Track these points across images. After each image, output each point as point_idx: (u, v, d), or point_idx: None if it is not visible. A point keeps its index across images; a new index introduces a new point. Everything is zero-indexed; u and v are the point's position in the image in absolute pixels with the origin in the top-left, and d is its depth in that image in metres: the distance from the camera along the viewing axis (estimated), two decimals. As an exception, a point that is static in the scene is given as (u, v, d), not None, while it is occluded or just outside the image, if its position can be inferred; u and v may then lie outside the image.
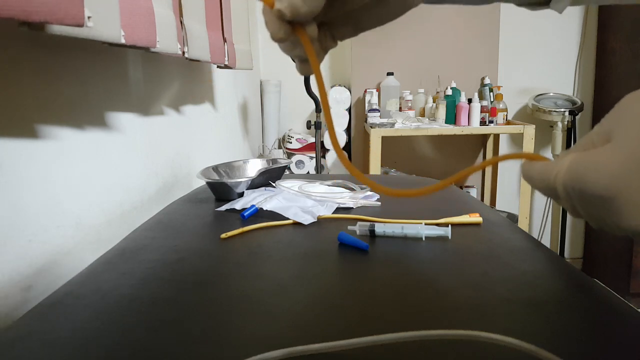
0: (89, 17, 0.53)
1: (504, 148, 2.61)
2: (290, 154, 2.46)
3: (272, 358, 0.36)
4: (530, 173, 0.32)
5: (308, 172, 2.42)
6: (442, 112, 2.21)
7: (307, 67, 0.38)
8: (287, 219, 0.73)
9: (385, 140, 2.13)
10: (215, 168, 0.97)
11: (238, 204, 0.80)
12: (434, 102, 2.31)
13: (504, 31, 2.47)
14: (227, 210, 0.80)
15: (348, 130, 2.45)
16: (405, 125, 2.16)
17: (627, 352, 0.37)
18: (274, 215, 0.74)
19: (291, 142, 2.45)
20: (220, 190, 0.88)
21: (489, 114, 2.20)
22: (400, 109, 2.33)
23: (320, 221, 0.73)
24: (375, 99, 2.31)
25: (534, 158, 0.32)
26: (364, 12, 0.38)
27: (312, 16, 0.34)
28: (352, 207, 0.80)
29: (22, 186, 0.56)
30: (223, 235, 0.66)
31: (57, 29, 0.51)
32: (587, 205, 0.28)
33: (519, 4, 0.39)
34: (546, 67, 2.55)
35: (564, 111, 2.34)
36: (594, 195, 0.26)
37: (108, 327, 0.42)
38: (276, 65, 2.53)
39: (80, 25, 0.49)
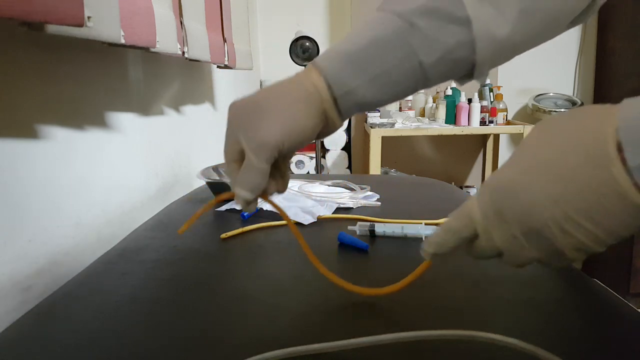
0: (88, 17, 0.53)
1: (504, 148, 2.61)
2: (290, 154, 2.46)
3: (272, 358, 0.36)
4: (436, 238, 0.35)
5: (308, 172, 2.42)
6: (442, 112, 2.21)
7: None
8: (287, 219, 0.72)
9: (385, 140, 2.13)
10: (215, 168, 0.97)
11: (238, 204, 0.79)
12: (434, 102, 2.31)
13: (504, 31, 2.47)
14: (227, 210, 0.80)
15: (348, 130, 2.45)
16: (405, 125, 2.16)
17: (627, 352, 0.37)
18: (274, 215, 0.74)
19: (291, 142, 2.45)
20: (220, 190, 0.88)
21: (489, 114, 2.20)
22: (400, 109, 2.33)
23: (320, 221, 0.73)
24: (375, 99, 2.30)
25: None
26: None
27: (262, 190, 0.40)
28: (352, 207, 0.80)
29: (22, 186, 0.56)
30: (223, 235, 0.66)
31: (57, 29, 0.51)
32: (510, 219, 0.30)
33: (447, 79, 0.42)
34: (546, 67, 2.55)
35: (564, 111, 2.33)
36: (505, 195, 0.30)
37: (108, 327, 0.42)
38: (276, 65, 2.53)
39: (80, 25, 0.49)
